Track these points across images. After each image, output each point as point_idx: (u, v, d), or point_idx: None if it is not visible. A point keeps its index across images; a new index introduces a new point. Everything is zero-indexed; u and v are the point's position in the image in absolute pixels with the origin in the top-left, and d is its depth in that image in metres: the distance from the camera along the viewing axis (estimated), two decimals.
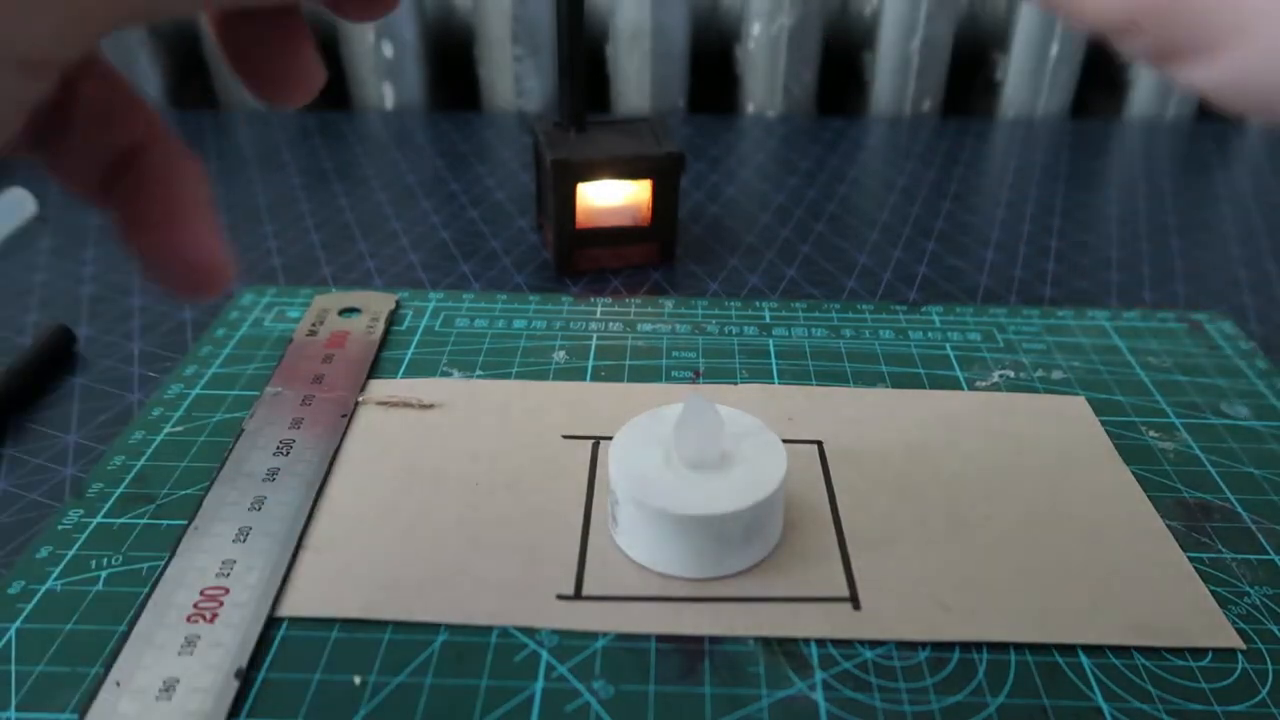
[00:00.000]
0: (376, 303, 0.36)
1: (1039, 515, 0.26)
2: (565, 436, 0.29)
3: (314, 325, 0.34)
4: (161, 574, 0.23)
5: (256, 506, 0.25)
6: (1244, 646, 0.22)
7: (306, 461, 0.27)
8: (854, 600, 0.23)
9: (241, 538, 0.24)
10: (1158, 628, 0.22)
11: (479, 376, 0.32)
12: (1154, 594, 0.23)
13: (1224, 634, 0.22)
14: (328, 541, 0.24)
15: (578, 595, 0.23)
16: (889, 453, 0.28)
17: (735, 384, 0.32)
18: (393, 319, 0.35)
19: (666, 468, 0.23)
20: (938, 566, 0.24)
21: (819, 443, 0.29)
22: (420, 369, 0.32)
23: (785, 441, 0.27)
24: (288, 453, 0.28)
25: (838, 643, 0.22)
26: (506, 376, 0.32)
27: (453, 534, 0.25)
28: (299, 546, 0.24)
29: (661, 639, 0.22)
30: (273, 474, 0.27)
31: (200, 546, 0.24)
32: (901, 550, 0.24)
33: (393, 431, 0.29)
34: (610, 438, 0.28)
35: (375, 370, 0.32)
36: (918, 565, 0.24)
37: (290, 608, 0.23)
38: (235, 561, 0.24)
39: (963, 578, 0.23)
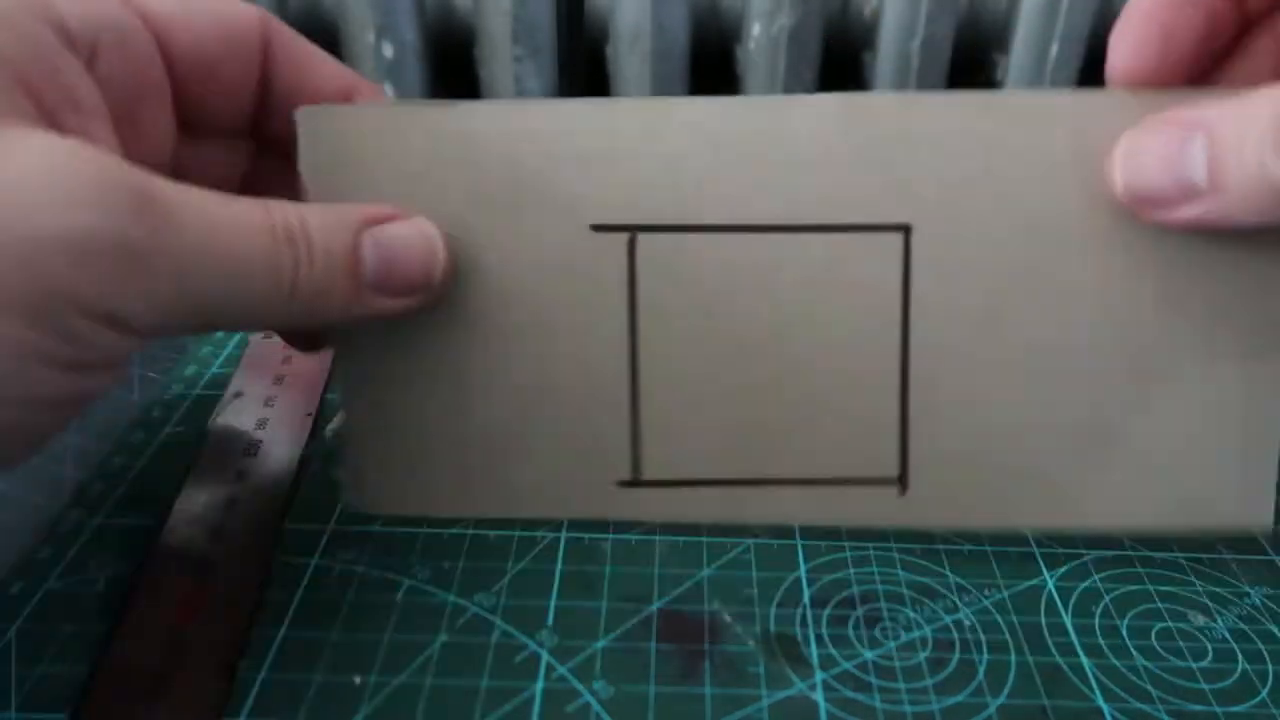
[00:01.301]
0: None
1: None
2: (595, 227, 0.21)
3: None
4: (143, 574, 0.23)
5: (230, 506, 0.25)
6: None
7: (275, 460, 0.27)
8: (902, 481, 0.21)
9: (218, 538, 0.24)
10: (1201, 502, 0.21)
11: None
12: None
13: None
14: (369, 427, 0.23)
15: (636, 481, 0.22)
16: (1015, 245, 0.20)
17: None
18: None
19: None
20: (1011, 426, 0.20)
21: (905, 228, 0.20)
22: None
23: (852, 229, 0.21)
24: (255, 453, 0.28)
25: (837, 640, 0.22)
26: None
27: (486, 403, 0.22)
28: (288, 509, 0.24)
29: (662, 640, 0.22)
30: (241, 475, 0.27)
31: (175, 548, 0.24)
32: (977, 403, 0.20)
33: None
34: (651, 228, 0.21)
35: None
36: (992, 424, 0.20)
37: (370, 503, 0.24)
38: (216, 562, 0.24)
39: (1034, 443, 0.20)
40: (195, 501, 0.26)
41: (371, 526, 0.25)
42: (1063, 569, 0.25)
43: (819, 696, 0.21)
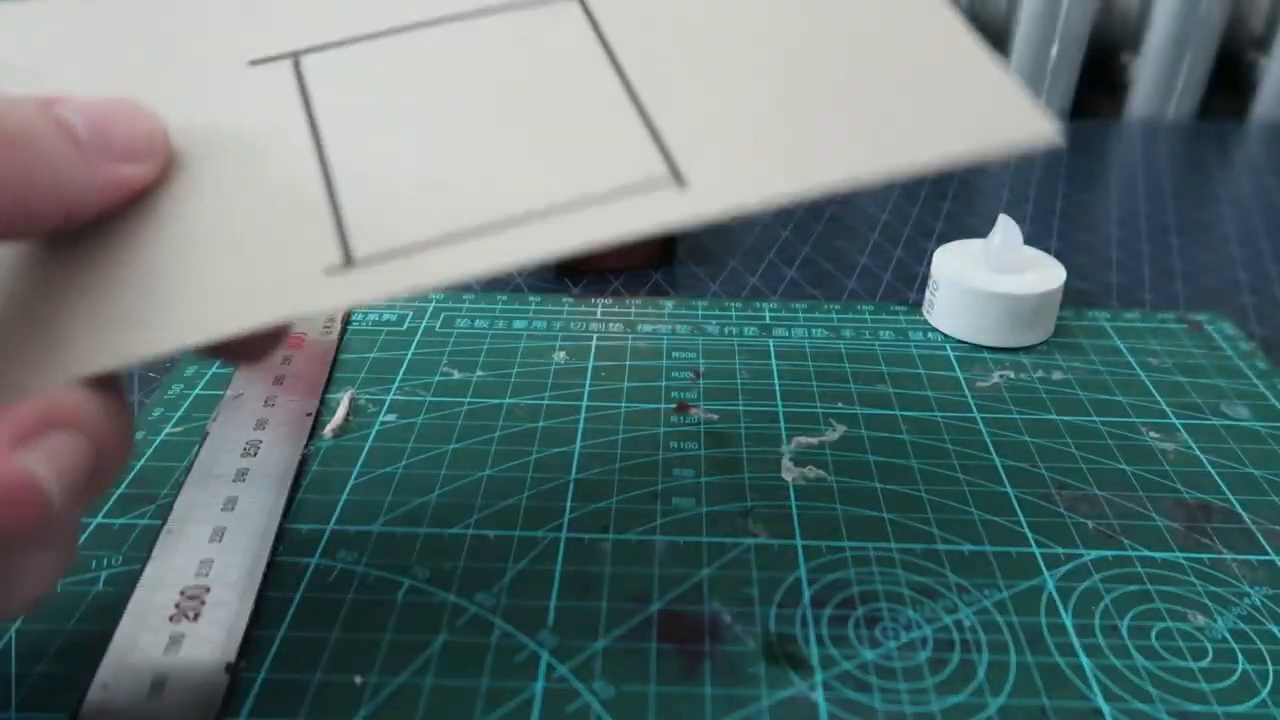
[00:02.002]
0: None
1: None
2: (254, 62, 0.20)
3: None
4: (138, 578, 0.23)
5: (230, 507, 0.25)
6: (1058, 138, 0.19)
7: (275, 461, 0.27)
8: (675, 174, 0.18)
9: (217, 538, 0.24)
10: (963, 128, 0.19)
11: (479, 377, 0.32)
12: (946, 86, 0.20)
13: (1036, 121, 0.19)
14: None
15: (348, 263, 0.18)
16: None
17: None
18: (349, 319, 0.35)
19: (976, 268, 0.35)
20: (742, 96, 0.19)
21: None
22: (420, 369, 0.32)
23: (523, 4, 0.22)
24: (255, 453, 0.28)
25: (837, 640, 0.22)
26: (506, 377, 0.32)
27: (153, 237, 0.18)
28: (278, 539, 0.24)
29: (662, 640, 0.22)
30: (242, 475, 0.27)
31: (175, 548, 0.24)
32: (700, 84, 0.20)
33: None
34: (317, 49, 0.21)
35: (336, 369, 0.32)
36: (720, 99, 0.19)
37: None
38: (214, 561, 0.24)
39: (777, 104, 0.19)
40: (195, 502, 0.26)
41: (371, 526, 0.26)
42: (1063, 569, 0.25)
43: (819, 697, 0.21)
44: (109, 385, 0.17)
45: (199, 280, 0.18)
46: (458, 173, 0.19)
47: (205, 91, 0.20)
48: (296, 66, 0.20)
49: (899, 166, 0.19)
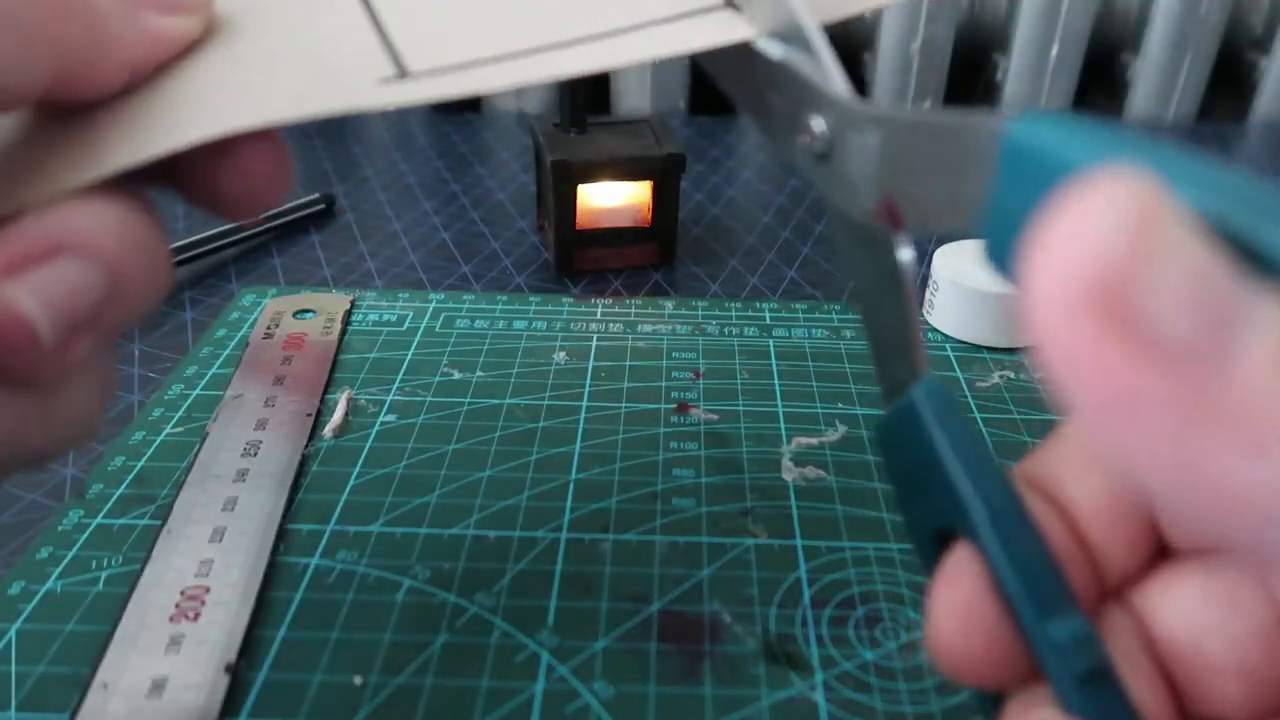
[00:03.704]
0: (331, 304, 0.36)
1: None
2: None
3: (269, 328, 0.34)
4: (138, 578, 0.23)
5: (230, 507, 0.25)
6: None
7: (275, 461, 0.27)
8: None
9: (217, 538, 0.24)
10: None
11: (479, 378, 0.32)
12: None
13: None
14: None
15: (402, 75, 0.18)
16: None
17: None
18: (349, 319, 0.35)
19: (975, 268, 0.34)
20: None
21: None
22: (420, 369, 0.32)
23: None
24: (255, 453, 0.28)
25: (837, 640, 0.22)
26: (507, 377, 0.32)
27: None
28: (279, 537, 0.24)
29: (662, 640, 0.22)
30: (242, 475, 0.27)
31: (175, 549, 0.24)
32: None
33: None
34: None
35: (336, 369, 0.32)
36: None
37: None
38: (214, 561, 0.24)
39: None
40: (195, 502, 0.26)
41: (371, 526, 0.26)
42: None
43: (819, 697, 0.21)
44: (137, 207, 0.16)
45: (239, 84, 0.17)
46: (504, 9, 0.20)
47: None
48: None
49: None
